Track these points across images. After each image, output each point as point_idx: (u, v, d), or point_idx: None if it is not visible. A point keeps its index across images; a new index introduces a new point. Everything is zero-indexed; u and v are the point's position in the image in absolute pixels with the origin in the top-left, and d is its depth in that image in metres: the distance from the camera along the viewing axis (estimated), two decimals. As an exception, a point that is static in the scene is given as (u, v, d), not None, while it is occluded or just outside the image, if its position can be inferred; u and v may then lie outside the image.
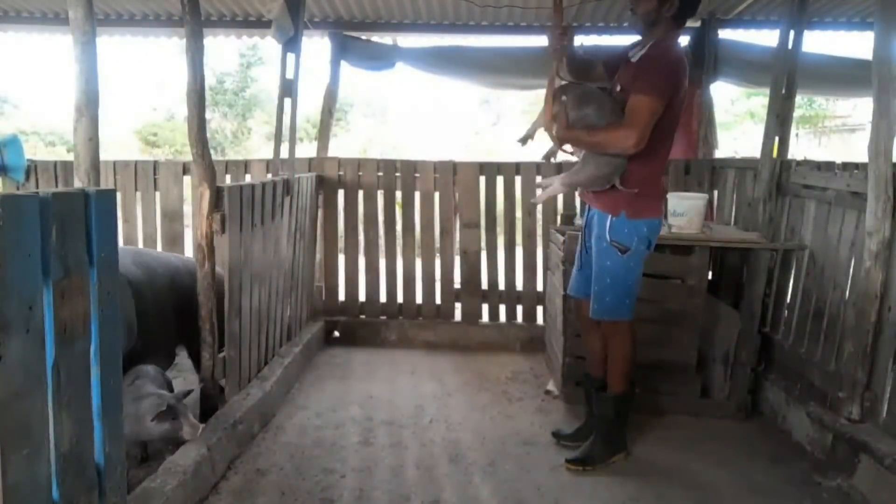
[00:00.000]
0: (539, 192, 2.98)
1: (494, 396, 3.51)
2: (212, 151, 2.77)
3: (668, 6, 2.44)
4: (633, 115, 2.37)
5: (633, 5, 2.52)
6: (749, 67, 4.45)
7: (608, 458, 2.71)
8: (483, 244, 4.43)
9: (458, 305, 4.48)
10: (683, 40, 4.59)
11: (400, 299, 4.48)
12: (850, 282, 2.80)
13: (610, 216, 2.55)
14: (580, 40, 4.40)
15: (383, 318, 4.50)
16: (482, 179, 4.38)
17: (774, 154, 3.52)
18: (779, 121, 3.55)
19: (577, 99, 2.52)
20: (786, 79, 3.54)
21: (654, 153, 2.48)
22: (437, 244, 4.46)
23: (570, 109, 2.51)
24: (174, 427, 2.36)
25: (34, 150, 12.88)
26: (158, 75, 20.07)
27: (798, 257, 3.25)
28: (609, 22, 4.53)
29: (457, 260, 4.47)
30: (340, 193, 4.49)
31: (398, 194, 4.45)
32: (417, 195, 4.44)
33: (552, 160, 2.81)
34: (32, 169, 4.30)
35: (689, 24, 4.53)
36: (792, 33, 3.52)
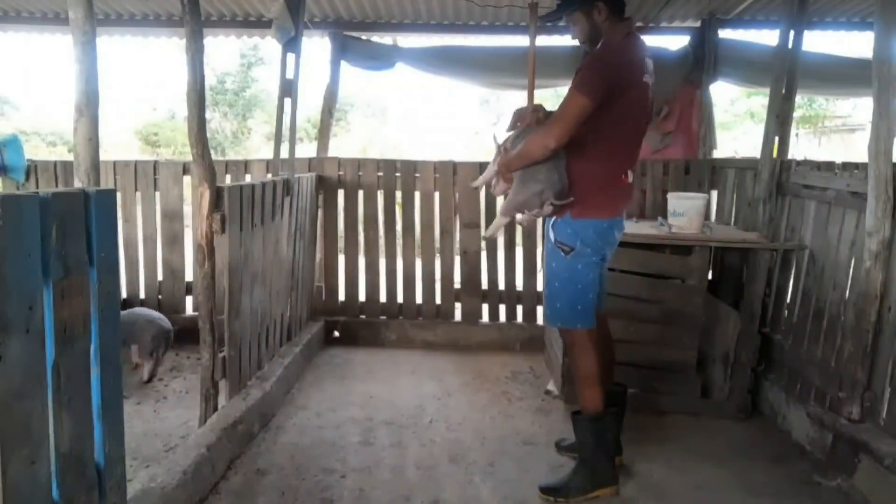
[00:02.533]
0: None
1: (494, 396, 3.51)
2: (212, 151, 2.77)
3: (597, 12, 2.41)
4: (559, 110, 2.34)
5: (576, 38, 2.55)
6: (749, 67, 4.45)
7: (588, 492, 2.44)
8: (483, 244, 4.43)
9: (458, 305, 4.48)
10: (682, 40, 4.60)
11: (400, 299, 4.49)
12: (850, 282, 2.80)
13: (555, 217, 2.49)
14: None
15: (383, 318, 4.50)
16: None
17: (774, 154, 3.52)
18: (779, 121, 3.55)
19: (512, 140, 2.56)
20: (786, 79, 3.54)
21: (599, 151, 2.39)
22: (437, 244, 4.46)
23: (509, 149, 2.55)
24: None
25: (35, 150, 12.88)
26: (158, 75, 20.11)
27: (798, 257, 3.25)
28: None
29: (457, 260, 4.47)
30: (340, 193, 4.49)
31: (398, 194, 4.45)
32: (417, 195, 4.44)
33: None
34: (32, 169, 4.30)
35: (689, 24, 4.58)
36: (792, 33, 3.53)
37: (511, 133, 2.62)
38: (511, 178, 2.51)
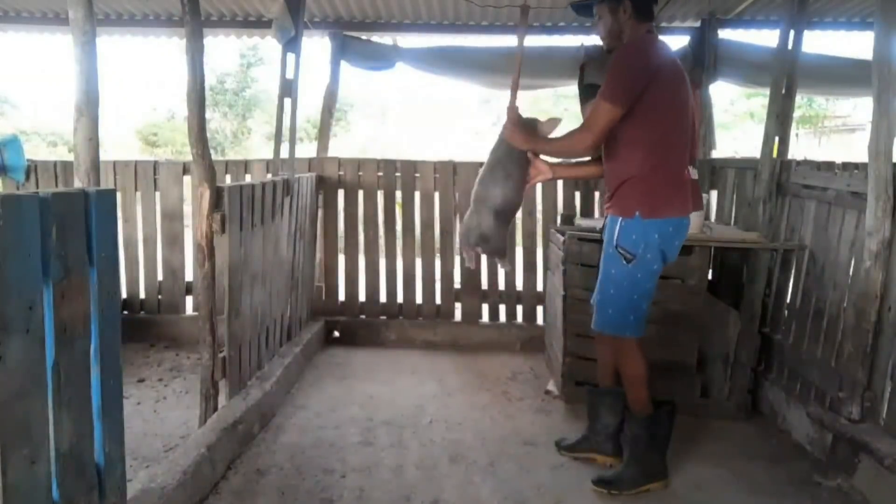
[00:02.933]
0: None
1: (494, 396, 3.51)
2: (212, 151, 2.77)
3: (622, 10, 2.45)
4: (589, 118, 2.41)
5: (598, 33, 2.58)
6: (749, 67, 4.45)
7: (641, 485, 2.50)
8: (483, 244, 4.42)
9: (458, 305, 4.48)
10: (682, 40, 4.59)
11: (400, 299, 4.49)
12: (850, 282, 2.80)
13: (621, 219, 2.45)
14: (580, 40, 4.42)
15: (383, 318, 4.51)
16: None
17: (774, 154, 3.52)
18: (779, 121, 3.54)
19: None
20: (786, 79, 3.54)
21: (659, 147, 2.40)
22: (437, 244, 4.47)
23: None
24: None
25: (35, 151, 12.88)
26: (158, 75, 20.11)
27: (798, 257, 3.25)
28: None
29: (457, 260, 4.47)
30: (340, 193, 4.49)
31: (398, 194, 4.45)
32: (417, 195, 4.44)
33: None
34: (32, 169, 4.30)
35: (689, 24, 4.58)
36: (792, 33, 3.52)
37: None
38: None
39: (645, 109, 2.35)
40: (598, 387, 2.82)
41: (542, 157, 2.65)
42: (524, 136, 2.57)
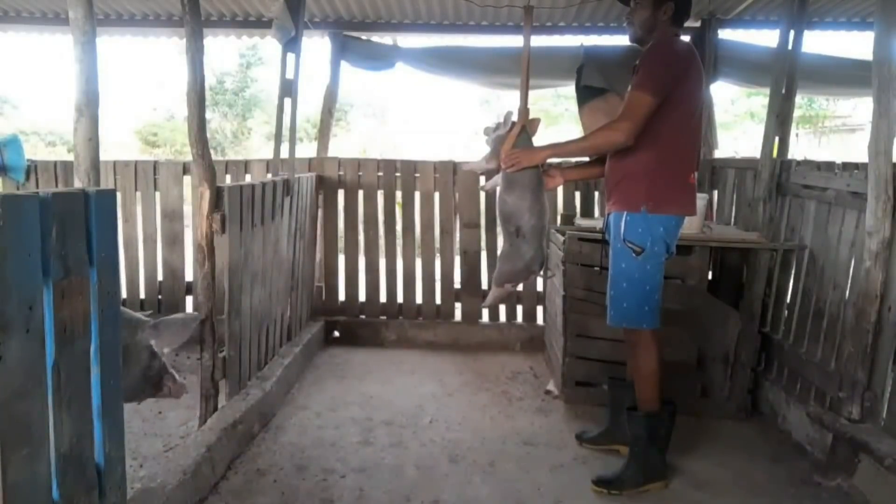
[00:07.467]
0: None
1: (494, 396, 3.51)
2: (212, 151, 2.77)
3: (664, 10, 2.45)
4: (626, 109, 2.39)
5: (629, 17, 2.56)
6: (749, 67, 4.45)
7: (641, 485, 2.51)
8: (483, 244, 4.43)
9: (458, 305, 4.48)
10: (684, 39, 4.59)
11: (400, 299, 4.49)
12: (850, 282, 2.80)
13: (626, 214, 2.47)
14: (580, 40, 4.42)
15: (383, 318, 4.51)
16: (482, 179, 4.37)
17: (774, 154, 3.52)
18: (779, 121, 3.55)
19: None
20: (786, 79, 3.54)
21: (669, 145, 2.42)
22: (437, 244, 4.47)
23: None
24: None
25: (34, 150, 12.88)
26: (158, 75, 20.12)
27: (798, 257, 3.25)
28: (609, 22, 4.53)
29: (457, 260, 4.47)
30: (340, 193, 4.49)
31: (398, 194, 4.46)
32: (417, 195, 4.44)
33: None
34: (32, 169, 4.30)
35: (689, 23, 4.57)
36: (792, 33, 3.53)
37: (495, 135, 2.73)
38: (500, 165, 2.64)
39: (669, 107, 2.38)
40: (623, 380, 2.84)
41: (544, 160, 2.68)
42: (544, 150, 2.61)
